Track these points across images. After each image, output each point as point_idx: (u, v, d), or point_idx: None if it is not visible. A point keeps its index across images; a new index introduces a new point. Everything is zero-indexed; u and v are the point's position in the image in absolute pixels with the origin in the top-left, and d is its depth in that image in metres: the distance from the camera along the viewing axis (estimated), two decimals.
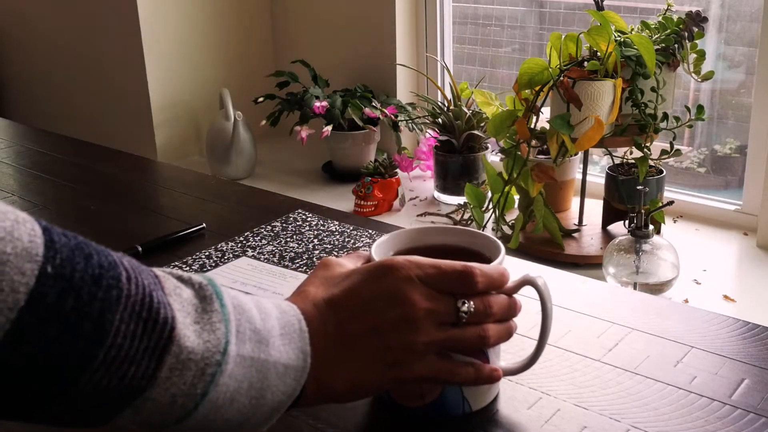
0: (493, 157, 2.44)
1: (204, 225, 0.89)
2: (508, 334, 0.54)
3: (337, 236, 0.84)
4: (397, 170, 2.39)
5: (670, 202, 1.88)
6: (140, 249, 0.83)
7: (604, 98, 1.78)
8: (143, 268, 0.45)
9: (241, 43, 2.91)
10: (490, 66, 2.68)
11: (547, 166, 1.85)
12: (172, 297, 0.44)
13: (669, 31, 1.89)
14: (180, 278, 0.47)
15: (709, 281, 1.91)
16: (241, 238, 0.84)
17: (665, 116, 1.85)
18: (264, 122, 2.56)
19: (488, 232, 2.00)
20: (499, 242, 0.57)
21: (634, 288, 1.77)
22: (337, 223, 0.88)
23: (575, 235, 2.06)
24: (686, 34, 1.88)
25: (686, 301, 1.79)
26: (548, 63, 1.79)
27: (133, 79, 2.67)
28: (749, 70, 2.24)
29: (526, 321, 0.68)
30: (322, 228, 0.87)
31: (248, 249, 0.82)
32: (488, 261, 0.55)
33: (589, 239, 2.05)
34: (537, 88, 1.80)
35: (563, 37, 1.81)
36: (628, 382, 0.59)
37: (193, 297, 0.46)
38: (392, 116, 2.42)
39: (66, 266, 0.40)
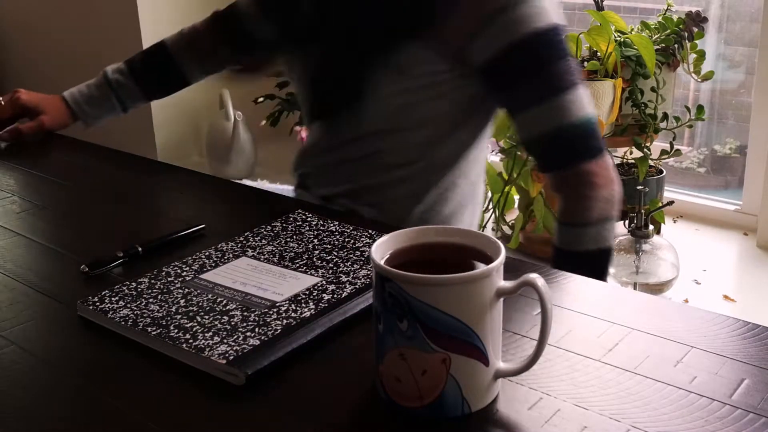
0: (493, 157, 2.43)
1: (204, 225, 0.89)
2: None
3: (337, 236, 0.84)
4: None
5: (670, 202, 1.88)
6: (140, 249, 0.83)
7: (604, 98, 1.78)
8: None
9: None
10: None
11: None
12: None
13: (669, 31, 1.89)
14: None
15: (709, 281, 1.91)
16: (241, 238, 0.84)
17: (665, 116, 1.85)
18: (264, 122, 2.56)
19: (488, 232, 2.00)
20: (499, 242, 0.57)
21: (634, 288, 1.77)
22: (337, 223, 0.88)
23: None
24: (686, 34, 1.88)
25: (686, 301, 1.79)
26: None
27: None
28: (749, 70, 2.24)
29: (526, 321, 0.68)
30: (322, 228, 0.87)
31: (248, 249, 0.82)
32: (488, 261, 0.55)
33: None
34: None
35: None
36: (628, 382, 0.59)
37: None
38: None
39: None
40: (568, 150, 0.96)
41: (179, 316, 0.68)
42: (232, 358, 0.61)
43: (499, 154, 2.02)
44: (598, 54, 1.79)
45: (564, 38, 0.95)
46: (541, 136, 0.96)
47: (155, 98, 1.37)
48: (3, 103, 1.30)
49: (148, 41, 2.69)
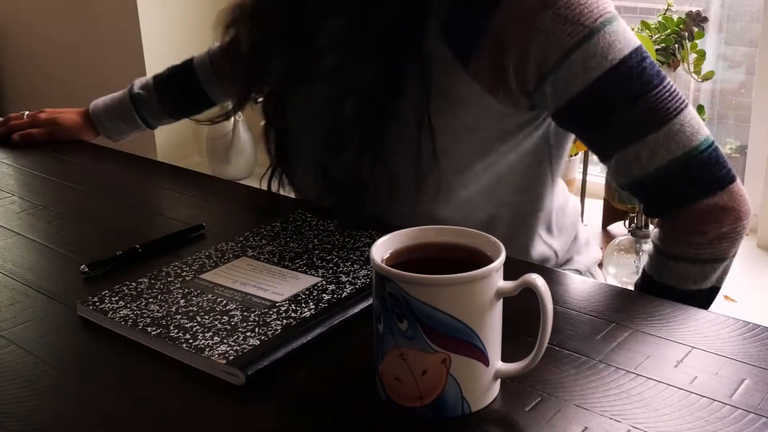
0: None
1: (204, 225, 0.89)
2: None
3: (337, 236, 0.84)
4: None
5: None
6: (140, 249, 0.83)
7: None
8: None
9: None
10: None
11: None
12: None
13: (669, 31, 1.89)
14: None
15: None
16: (241, 238, 0.84)
17: None
18: (264, 122, 2.56)
19: None
20: (499, 242, 0.57)
21: (635, 288, 1.77)
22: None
23: None
24: (686, 34, 1.88)
25: None
26: None
27: (134, 79, 2.67)
28: (749, 70, 2.24)
29: (526, 321, 0.68)
30: (322, 228, 0.87)
31: (248, 249, 0.81)
32: (489, 261, 0.55)
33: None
34: None
35: None
36: (629, 383, 0.59)
37: None
38: None
39: None
40: (685, 186, 0.79)
41: (179, 316, 0.68)
42: (232, 358, 0.61)
43: None
44: None
45: (651, 60, 0.79)
46: (647, 177, 0.79)
47: (181, 117, 1.30)
48: (25, 117, 1.31)
49: (148, 40, 2.69)
